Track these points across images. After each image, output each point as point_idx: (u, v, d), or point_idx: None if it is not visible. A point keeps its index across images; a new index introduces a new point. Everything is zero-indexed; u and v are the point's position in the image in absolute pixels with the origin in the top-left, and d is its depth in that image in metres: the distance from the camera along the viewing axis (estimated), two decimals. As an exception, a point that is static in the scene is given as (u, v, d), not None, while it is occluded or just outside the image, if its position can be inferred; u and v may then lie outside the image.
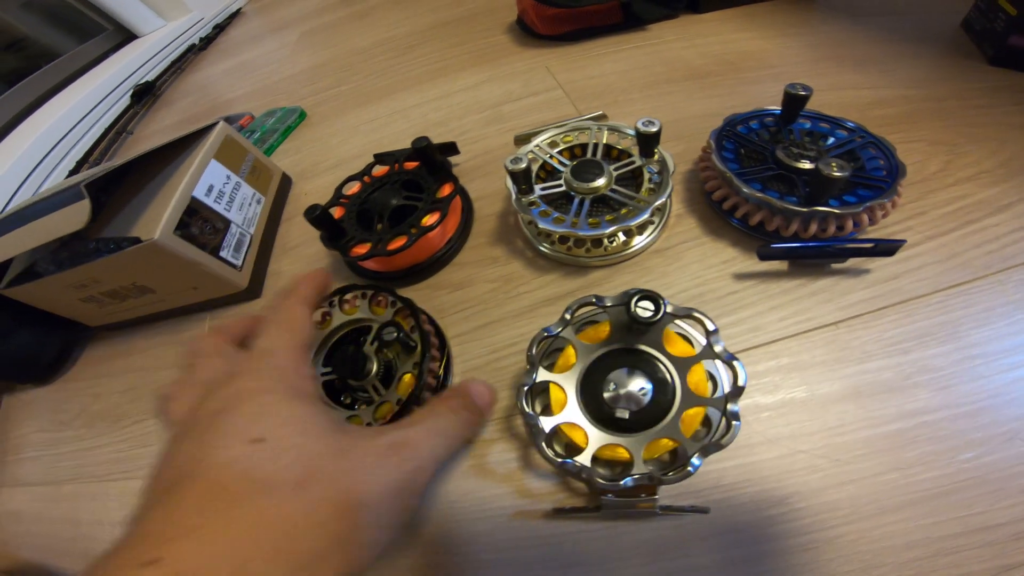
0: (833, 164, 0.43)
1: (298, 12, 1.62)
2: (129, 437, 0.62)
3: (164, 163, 0.66)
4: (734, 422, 0.35)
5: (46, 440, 0.67)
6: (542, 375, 0.42)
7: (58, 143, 1.16)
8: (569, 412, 0.40)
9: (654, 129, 0.50)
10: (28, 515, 0.61)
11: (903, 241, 0.45)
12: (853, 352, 0.43)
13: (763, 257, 0.48)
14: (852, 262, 0.48)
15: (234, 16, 1.88)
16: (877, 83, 0.66)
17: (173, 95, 1.42)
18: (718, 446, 0.35)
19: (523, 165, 0.51)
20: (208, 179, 0.65)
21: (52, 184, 1.08)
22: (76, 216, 0.52)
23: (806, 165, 0.49)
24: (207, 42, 1.69)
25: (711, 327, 0.38)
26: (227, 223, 0.66)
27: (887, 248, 0.45)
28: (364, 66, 1.12)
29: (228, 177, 0.69)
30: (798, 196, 0.48)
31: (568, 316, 0.42)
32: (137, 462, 0.59)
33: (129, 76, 1.43)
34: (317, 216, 0.54)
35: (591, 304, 0.41)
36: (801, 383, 0.43)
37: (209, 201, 0.64)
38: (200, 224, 0.61)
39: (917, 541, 0.35)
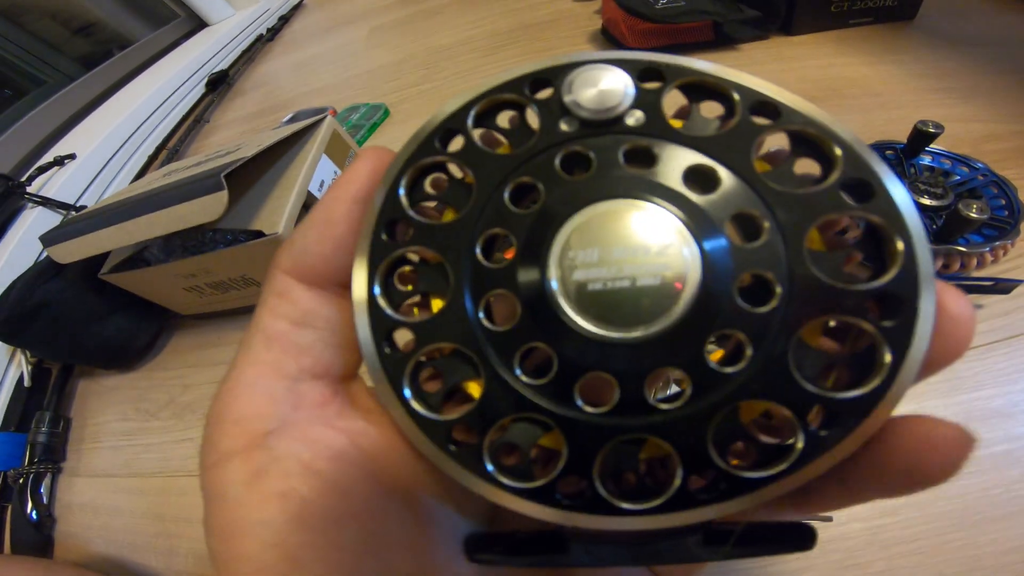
0: (973, 205, 0.44)
1: (362, 7, 1.64)
2: (223, 432, 0.63)
3: (273, 156, 0.67)
4: None
5: (129, 429, 0.66)
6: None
7: (137, 129, 1.19)
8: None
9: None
10: (106, 507, 0.60)
11: (1021, 281, 0.47)
12: (966, 381, 0.46)
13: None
14: (969, 298, 0.49)
15: (296, 7, 1.91)
16: (986, 116, 0.66)
17: (245, 85, 1.45)
18: None
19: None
20: (320, 174, 0.66)
21: (131, 165, 1.12)
22: (213, 206, 0.52)
23: (930, 202, 0.51)
24: (273, 33, 1.72)
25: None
26: None
27: (1005, 287, 0.47)
28: (447, 65, 1.13)
29: (335, 173, 0.71)
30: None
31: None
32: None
33: (203, 65, 1.47)
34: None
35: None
36: (918, 408, 0.44)
37: (320, 196, 0.65)
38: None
39: (1015, 547, 0.38)
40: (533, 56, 1.04)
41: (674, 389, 0.15)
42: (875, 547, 0.40)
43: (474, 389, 0.16)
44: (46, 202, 0.86)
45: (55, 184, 0.93)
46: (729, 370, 0.14)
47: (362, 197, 0.16)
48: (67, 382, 0.73)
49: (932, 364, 0.14)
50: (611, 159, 0.15)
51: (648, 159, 0.15)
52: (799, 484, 0.14)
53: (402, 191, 0.16)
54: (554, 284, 0.14)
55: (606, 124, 0.15)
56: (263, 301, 0.17)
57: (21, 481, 0.61)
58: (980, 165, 0.54)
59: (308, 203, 0.62)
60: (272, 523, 0.14)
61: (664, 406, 0.14)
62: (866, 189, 0.14)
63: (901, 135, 0.56)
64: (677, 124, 0.15)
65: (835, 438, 0.14)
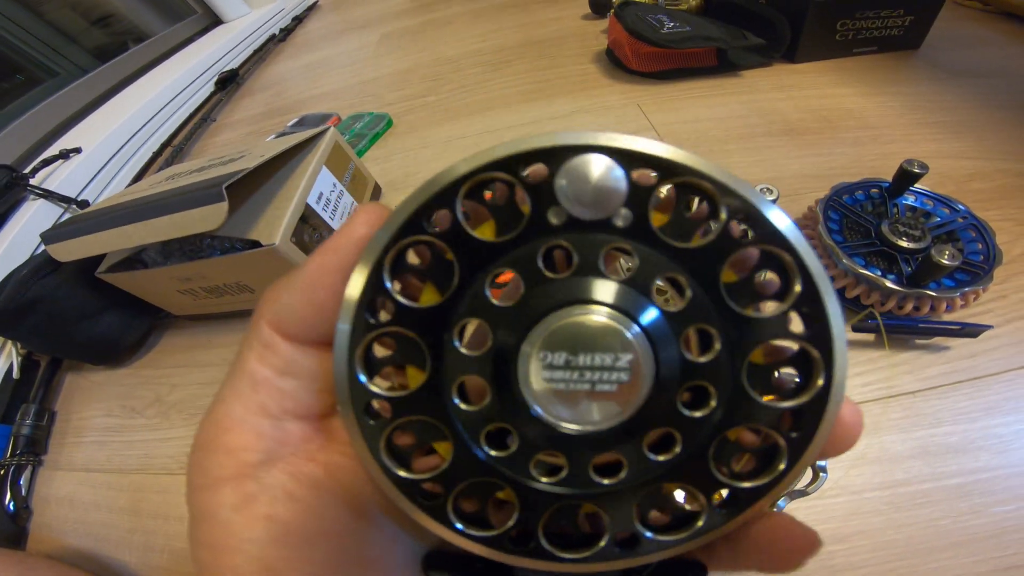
0: (945, 252, 0.45)
1: (376, 12, 1.66)
2: (208, 432, 0.63)
3: (275, 165, 0.68)
4: (822, 473, 0.38)
5: (113, 426, 0.67)
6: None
7: (144, 125, 1.20)
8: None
9: (771, 198, 0.52)
10: (83, 502, 0.60)
11: (989, 327, 0.48)
12: (926, 418, 0.47)
13: (857, 330, 0.50)
14: (935, 339, 0.51)
15: (311, 8, 1.93)
16: (975, 153, 0.67)
17: (254, 85, 1.47)
18: (804, 493, 0.38)
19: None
20: (319, 186, 0.67)
21: (135, 162, 1.13)
22: (213, 217, 0.53)
23: (908, 244, 0.51)
24: (286, 33, 1.74)
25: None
26: (331, 231, 0.68)
27: (972, 331, 0.48)
28: (454, 77, 1.14)
29: (334, 185, 0.71)
30: (897, 274, 0.50)
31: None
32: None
33: (215, 63, 1.49)
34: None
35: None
36: (876, 441, 0.47)
37: (319, 209, 0.66)
38: (309, 232, 0.63)
39: None
40: (537, 73, 1.06)
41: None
42: (823, 572, 0.41)
43: (442, 449, 0.17)
44: (48, 195, 0.87)
45: (58, 177, 0.94)
46: (661, 459, 0.16)
47: (348, 267, 0.17)
48: (55, 375, 0.74)
49: (823, 456, 0.17)
50: (591, 262, 0.15)
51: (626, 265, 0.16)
52: (694, 547, 0.17)
53: (385, 274, 0.16)
54: (522, 379, 0.16)
55: (595, 224, 0.15)
56: (249, 346, 0.18)
57: (1, 473, 0.61)
58: (961, 207, 0.54)
59: (306, 216, 0.63)
60: (257, 541, 0.16)
61: (605, 481, 0.17)
62: (813, 319, 0.15)
63: (890, 171, 0.56)
64: (660, 220, 0.15)
65: (729, 516, 0.17)
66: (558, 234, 0.15)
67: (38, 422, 0.67)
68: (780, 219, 0.15)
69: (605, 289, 0.15)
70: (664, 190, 0.15)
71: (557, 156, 0.15)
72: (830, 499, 0.44)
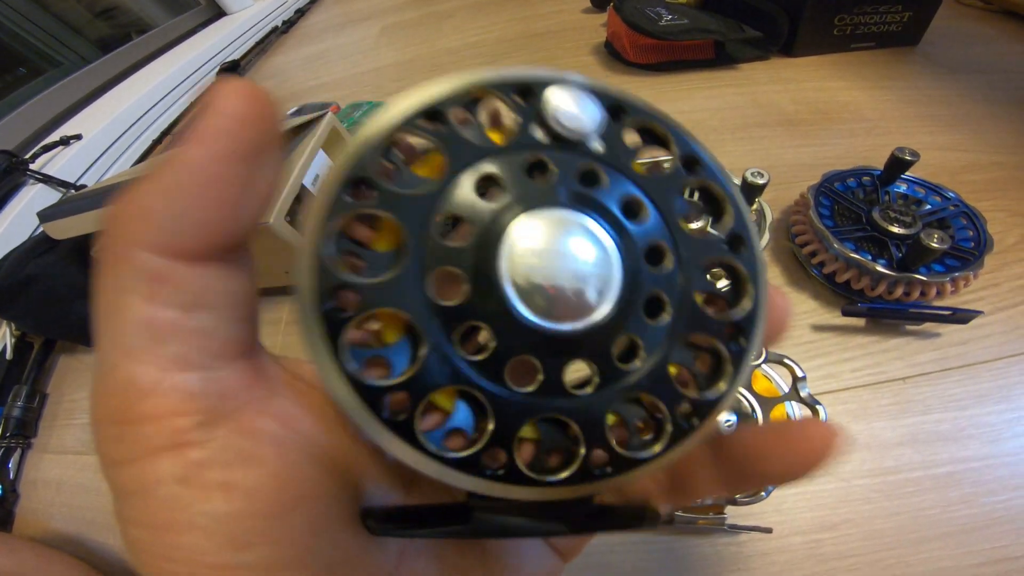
0: (935, 235, 0.45)
1: (377, 5, 1.66)
2: (199, 413, 0.63)
3: (273, 149, 0.68)
4: None
5: None
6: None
7: (145, 113, 1.20)
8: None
9: (762, 181, 0.53)
10: (71, 485, 0.60)
11: (980, 312, 0.48)
12: (916, 405, 0.47)
13: (846, 314, 0.50)
14: (926, 325, 0.51)
15: (314, 1, 1.93)
16: (970, 146, 0.67)
17: (255, 76, 1.47)
18: None
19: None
20: (315, 169, 0.67)
21: (134, 149, 1.14)
22: None
23: (898, 230, 0.51)
24: (289, 25, 1.74)
25: (800, 373, 0.42)
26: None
27: (963, 317, 0.48)
28: (454, 68, 1.12)
29: (330, 168, 0.71)
30: (888, 259, 0.50)
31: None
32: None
33: (217, 54, 1.48)
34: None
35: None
36: (866, 428, 0.47)
37: (314, 190, 0.66)
38: (304, 212, 0.63)
39: (946, 568, 0.40)
40: (536, 64, 1.05)
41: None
42: (812, 561, 0.41)
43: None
44: (47, 179, 0.88)
45: (58, 163, 0.94)
46: (629, 367, 0.17)
47: (247, 153, 0.13)
48: (48, 357, 0.74)
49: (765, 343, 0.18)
50: (570, 175, 0.16)
51: (599, 182, 0.17)
52: (670, 463, 0.17)
53: (377, 156, 0.15)
54: (504, 269, 0.15)
55: (573, 143, 0.16)
56: (124, 287, 0.13)
57: (-9, 456, 0.61)
58: (952, 195, 0.54)
59: (301, 196, 0.63)
60: (215, 514, 0.13)
61: (577, 392, 0.16)
62: (741, 243, 0.18)
63: (883, 162, 0.57)
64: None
65: (694, 427, 0.17)
66: (542, 149, 0.16)
67: (29, 404, 0.67)
68: (710, 157, 0.18)
69: (585, 197, 0.16)
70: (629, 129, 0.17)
71: (539, 86, 0.16)
72: (819, 485, 0.44)
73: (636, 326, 0.16)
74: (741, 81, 0.87)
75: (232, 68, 1.43)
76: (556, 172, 0.16)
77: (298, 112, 1.09)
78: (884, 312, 0.49)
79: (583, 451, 0.16)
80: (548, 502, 0.17)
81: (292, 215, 0.61)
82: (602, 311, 0.16)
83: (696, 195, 0.18)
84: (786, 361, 0.43)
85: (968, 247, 0.50)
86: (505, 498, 0.16)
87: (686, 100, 0.85)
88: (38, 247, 0.66)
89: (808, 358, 0.51)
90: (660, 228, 0.17)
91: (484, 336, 0.16)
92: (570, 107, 0.16)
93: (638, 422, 0.18)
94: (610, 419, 0.17)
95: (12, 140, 1.04)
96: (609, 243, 0.16)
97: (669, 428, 0.17)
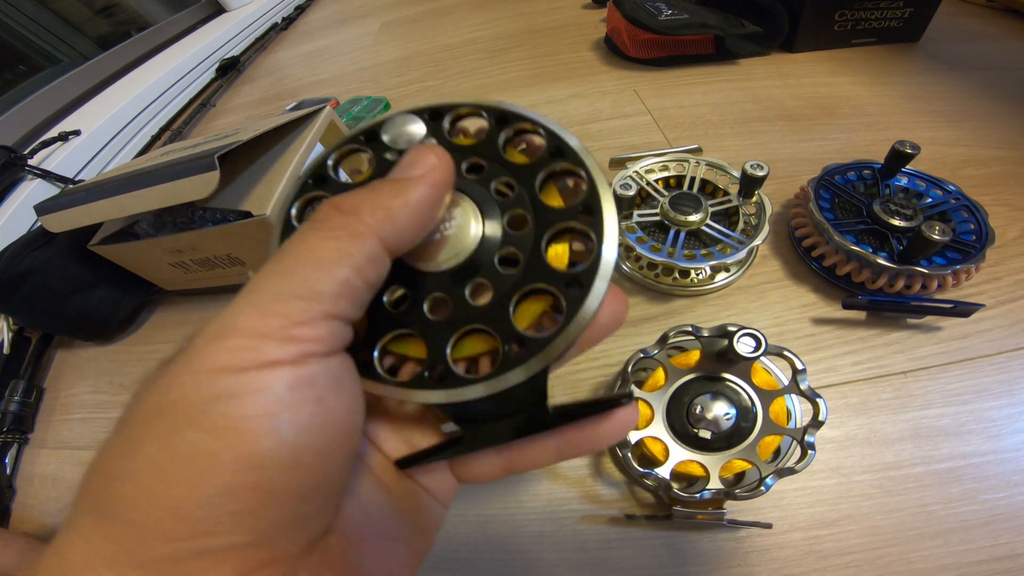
0: (936, 227, 0.45)
1: (377, 1, 1.66)
2: (191, 409, 0.62)
3: (270, 142, 0.68)
4: (810, 451, 0.38)
5: (100, 402, 0.67)
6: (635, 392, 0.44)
7: (144, 109, 1.20)
8: (654, 428, 0.44)
9: (762, 173, 0.52)
10: (67, 480, 0.60)
11: (981, 305, 0.48)
12: (916, 400, 0.47)
13: (847, 307, 0.50)
14: (927, 318, 0.50)
15: (314, -3, 1.93)
16: (971, 141, 0.67)
17: (255, 72, 1.47)
18: (792, 471, 0.38)
19: (632, 192, 0.53)
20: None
21: (133, 145, 1.14)
22: (204, 185, 0.53)
23: (899, 222, 0.51)
24: (288, 22, 1.74)
25: (800, 366, 0.41)
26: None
27: (964, 310, 0.47)
28: (452, 64, 1.15)
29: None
30: (889, 252, 0.50)
31: (665, 340, 0.45)
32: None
33: (216, 50, 1.48)
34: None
35: (688, 333, 0.44)
36: (866, 422, 0.46)
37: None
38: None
39: (947, 565, 0.39)
40: (535, 60, 1.06)
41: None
42: (812, 557, 0.41)
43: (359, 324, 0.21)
44: (45, 175, 0.88)
45: (57, 158, 0.94)
46: (477, 303, 0.21)
47: (441, 201, 0.20)
48: (45, 351, 0.74)
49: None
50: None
51: (479, 171, 0.23)
52: (572, 339, 0.20)
53: (330, 161, 0.23)
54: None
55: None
56: (343, 254, 0.17)
57: (-13, 452, 0.61)
58: (953, 188, 0.54)
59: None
60: (301, 422, 0.16)
61: (432, 317, 0.21)
62: (593, 211, 0.21)
63: (883, 156, 0.56)
64: (462, 140, 0.23)
65: (580, 297, 0.20)
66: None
67: (26, 399, 0.66)
68: (573, 140, 0.22)
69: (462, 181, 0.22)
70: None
71: (376, 127, 0.23)
72: (820, 481, 0.44)
73: (489, 273, 0.21)
74: (741, 76, 0.87)
75: (232, 65, 1.43)
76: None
77: (296, 107, 1.09)
78: (885, 305, 0.49)
79: (501, 345, 0.20)
80: (504, 397, 0.20)
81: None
82: (460, 256, 0.21)
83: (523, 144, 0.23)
84: (786, 354, 0.42)
85: (969, 240, 0.50)
86: (463, 400, 0.20)
87: (685, 95, 0.84)
88: (34, 241, 0.66)
89: (808, 351, 0.50)
90: (521, 200, 0.22)
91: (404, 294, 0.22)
92: (397, 131, 0.22)
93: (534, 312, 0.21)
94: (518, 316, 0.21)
95: (11, 136, 1.04)
96: (468, 203, 0.21)
97: (563, 302, 0.20)
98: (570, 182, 0.22)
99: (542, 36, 1.14)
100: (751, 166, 0.53)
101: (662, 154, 0.63)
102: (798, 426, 0.43)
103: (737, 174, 0.57)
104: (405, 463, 0.23)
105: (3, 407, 0.65)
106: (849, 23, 0.86)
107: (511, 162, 0.22)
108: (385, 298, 0.21)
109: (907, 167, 0.56)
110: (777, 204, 0.63)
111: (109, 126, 1.10)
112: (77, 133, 1.02)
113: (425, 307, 0.21)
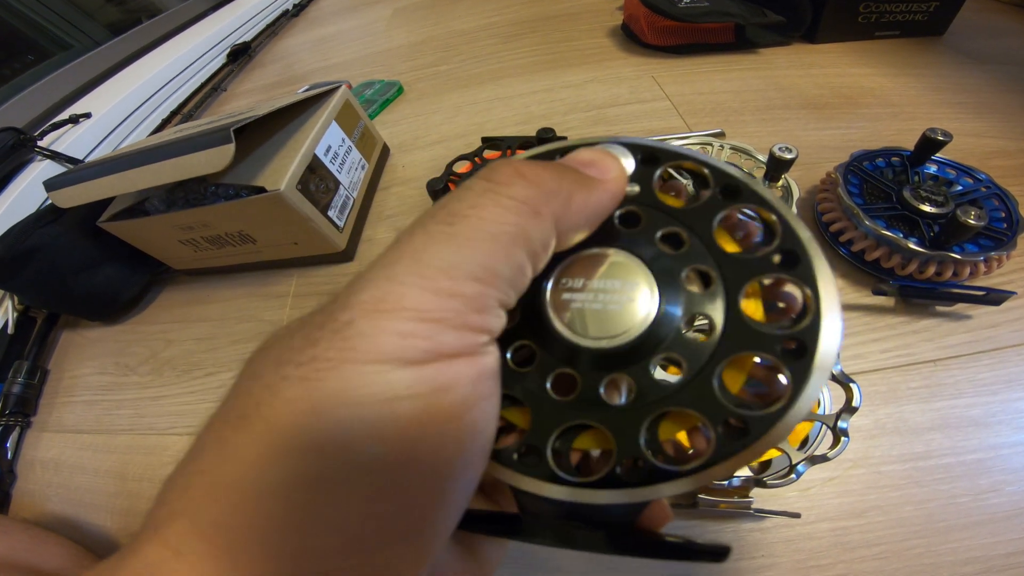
0: (972, 212, 0.44)
1: (389, -13, 1.65)
2: (199, 389, 0.61)
3: (284, 119, 0.68)
4: (843, 438, 0.37)
5: (105, 384, 0.66)
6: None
7: (155, 93, 1.20)
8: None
9: (790, 156, 0.51)
10: (69, 464, 0.59)
11: (1013, 293, 0.46)
12: (946, 389, 0.45)
13: (877, 293, 0.49)
14: (957, 306, 0.49)
15: (327, -15, 1.92)
16: (998, 133, 0.66)
17: (266, 57, 1.46)
18: (824, 458, 0.37)
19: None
20: (328, 140, 0.67)
21: (144, 128, 1.13)
22: (219, 158, 0.52)
23: (930, 208, 0.50)
24: (300, 8, 1.73)
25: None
26: (337, 184, 0.68)
27: (996, 298, 0.46)
28: (466, 48, 1.14)
29: (343, 140, 0.71)
30: (919, 237, 0.49)
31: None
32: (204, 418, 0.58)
33: (227, 36, 1.48)
34: (440, 190, 0.56)
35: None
36: (896, 411, 0.45)
37: (326, 161, 0.66)
38: (316, 182, 0.63)
39: (975, 557, 0.38)
40: (550, 46, 1.05)
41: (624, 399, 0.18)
42: (838, 549, 0.39)
43: None
44: (54, 156, 0.87)
45: (67, 141, 0.94)
46: (668, 379, 0.17)
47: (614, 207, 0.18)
48: (50, 332, 0.73)
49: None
50: (608, 219, 0.19)
51: (636, 221, 0.19)
52: (704, 483, 0.16)
53: None
54: (547, 297, 0.19)
55: None
56: (528, 239, 0.15)
57: (-10, 435, 0.60)
58: (983, 176, 0.53)
59: (313, 166, 0.62)
60: (483, 416, 0.15)
61: (615, 401, 0.18)
62: (794, 258, 0.17)
63: (910, 145, 0.55)
64: (665, 198, 0.20)
65: (740, 447, 0.16)
66: None
67: (30, 380, 0.66)
68: (768, 192, 0.19)
69: (616, 234, 0.19)
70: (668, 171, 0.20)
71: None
72: (849, 471, 0.42)
73: (676, 343, 0.18)
74: (762, 65, 0.85)
75: (243, 50, 1.42)
76: None
77: (309, 91, 1.08)
78: (917, 291, 0.48)
79: (615, 458, 0.17)
80: (588, 507, 0.17)
81: (303, 184, 0.60)
82: (637, 329, 0.17)
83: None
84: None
85: (1001, 227, 0.49)
86: (533, 492, 0.17)
87: (705, 82, 0.83)
88: (43, 218, 0.65)
89: (836, 338, 0.49)
90: (702, 250, 0.18)
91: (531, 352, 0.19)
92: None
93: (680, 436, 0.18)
94: (647, 430, 0.17)
95: (21, 119, 1.04)
96: (643, 271, 0.18)
97: (711, 449, 0.16)
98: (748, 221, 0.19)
99: (557, 23, 1.13)
100: (779, 148, 0.52)
101: (684, 138, 0.62)
102: (827, 412, 0.42)
103: (763, 158, 0.56)
104: (466, 524, 0.18)
105: (6, 389, 0.64)
106: (873, 15, 0.85)
107: (666, 204, 0.19)
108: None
109: (936, 155, 0.55)
110: (802, 190, 0.61)
111: (120, 109, 1.10)
112: (87, 116, 1.02)
113: (548, 383, 0.18)
